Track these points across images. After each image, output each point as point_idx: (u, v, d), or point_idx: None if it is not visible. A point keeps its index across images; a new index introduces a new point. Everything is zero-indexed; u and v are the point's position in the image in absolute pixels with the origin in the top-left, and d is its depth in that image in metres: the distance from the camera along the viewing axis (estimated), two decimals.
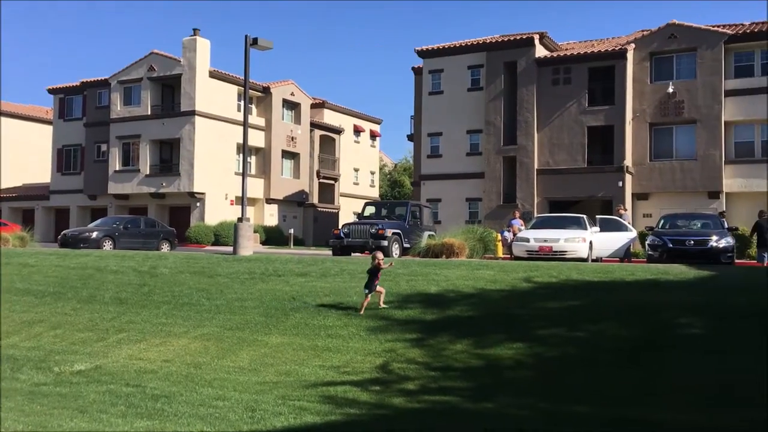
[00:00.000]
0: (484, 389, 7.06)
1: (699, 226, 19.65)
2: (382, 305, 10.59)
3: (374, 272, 10.59)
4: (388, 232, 20.45)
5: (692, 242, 17.65)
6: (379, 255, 10.79)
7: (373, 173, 54.83)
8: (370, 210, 23.65)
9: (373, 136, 54.84)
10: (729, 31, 30.32)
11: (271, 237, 38.64)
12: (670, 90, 30.57)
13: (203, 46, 38.13)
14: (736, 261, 18.98)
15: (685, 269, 13.78)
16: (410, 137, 39.76)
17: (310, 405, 6.64)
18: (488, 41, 34.05)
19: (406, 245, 21.07)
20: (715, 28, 30.74)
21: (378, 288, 10.61)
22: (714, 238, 17.60)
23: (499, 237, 22.47)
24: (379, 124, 55.60)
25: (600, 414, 6.02)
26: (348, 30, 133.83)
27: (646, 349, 7.92)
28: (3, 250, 19.90)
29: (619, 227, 21.40)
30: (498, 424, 5.88)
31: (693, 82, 30.44)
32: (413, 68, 37.91)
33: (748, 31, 30.40)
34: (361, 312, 10.35)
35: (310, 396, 6.98)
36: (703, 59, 30.24)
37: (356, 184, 51.77)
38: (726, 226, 19.96)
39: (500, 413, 6.27)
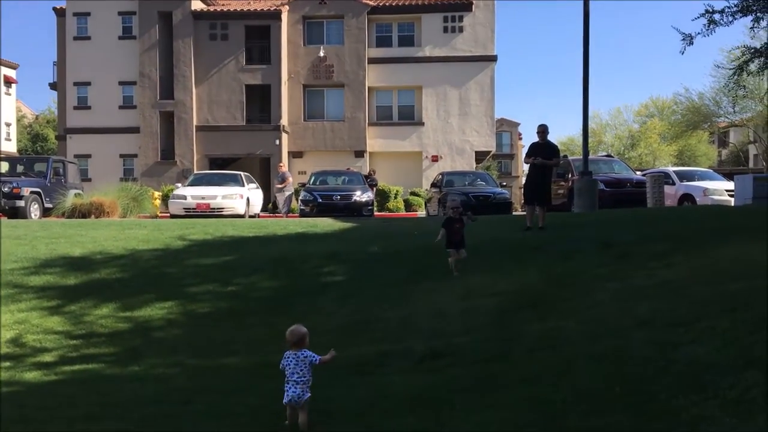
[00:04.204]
0: (131, 352, 6.77)
1: (345, 182, 21.44)
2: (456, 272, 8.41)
3: (450, 223, 8.37)
4: (25, 191, 18.42)
5: (339, 197, 19.18)
6: (454, 203, 8.56)
7: (9, 125, 48.30)
8: (4, 166, 21.04)
9: (8, 82, 48.16)
10: (372, 3, 33.11)
11: None
12: (321, 54, 32.42)
13: None
14: (376, 213, 21.19)
15: (332, 222, 14.91)
16: (53, 86, 35.75)
17: None
18: None
19: (48, 205, 19.21)
20: None
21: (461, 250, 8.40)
22: (357, 193, 19.37)
23: (156, 195, 21.72)
24: (15, 69, 48.96)
25: (245, 363, 6.20)
26: None
27: (293, 296, 8.38)
28: None
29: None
30: (146, 387, 5.68)
31: (341, 48, 32.66)
32: (55, 9, 33.92)
33: (387, 4, 33.57)
34: (456, 272, 8.28)
35: None
36: (349, 27, 32.59)
37: None
38: (367, 182, 22.10)
39: (147, 374, 6.07)
